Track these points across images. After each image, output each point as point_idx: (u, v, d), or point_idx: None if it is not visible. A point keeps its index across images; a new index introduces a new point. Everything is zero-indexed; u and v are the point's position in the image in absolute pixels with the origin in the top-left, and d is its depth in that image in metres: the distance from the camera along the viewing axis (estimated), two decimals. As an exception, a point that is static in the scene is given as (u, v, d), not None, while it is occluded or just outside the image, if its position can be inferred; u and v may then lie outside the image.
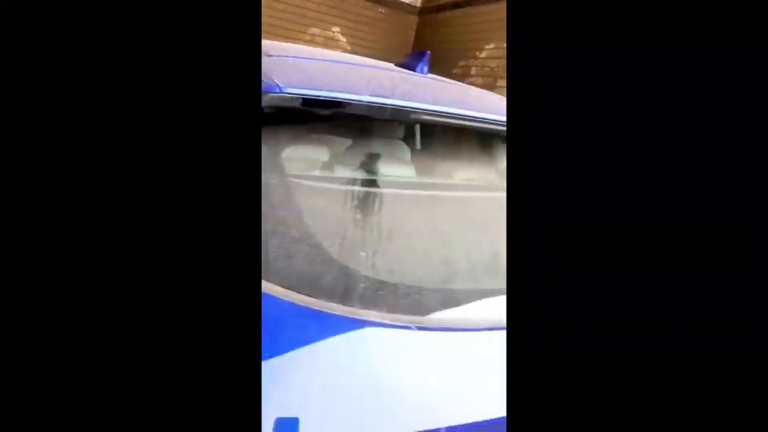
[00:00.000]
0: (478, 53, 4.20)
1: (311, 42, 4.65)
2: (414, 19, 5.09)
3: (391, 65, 1.04)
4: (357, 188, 0.69)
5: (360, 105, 0.63)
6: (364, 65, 1.01)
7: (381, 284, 0.53)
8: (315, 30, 4.65)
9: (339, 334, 0.48)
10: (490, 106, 0.78)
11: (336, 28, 4.77)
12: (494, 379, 0.46)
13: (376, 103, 0.64)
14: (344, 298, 0.50)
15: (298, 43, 4.48)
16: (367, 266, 0.57)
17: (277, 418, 0.38)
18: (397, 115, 0.67)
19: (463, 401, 0.47)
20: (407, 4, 5.01)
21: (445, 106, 0.70)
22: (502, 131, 0.70)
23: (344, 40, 4.84)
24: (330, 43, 4.76)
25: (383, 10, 4.96)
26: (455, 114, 0.69)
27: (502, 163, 0.82)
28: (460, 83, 1.15)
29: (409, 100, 0.68)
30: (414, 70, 0.96)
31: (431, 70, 1.02)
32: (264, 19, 3.48)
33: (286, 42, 2.03)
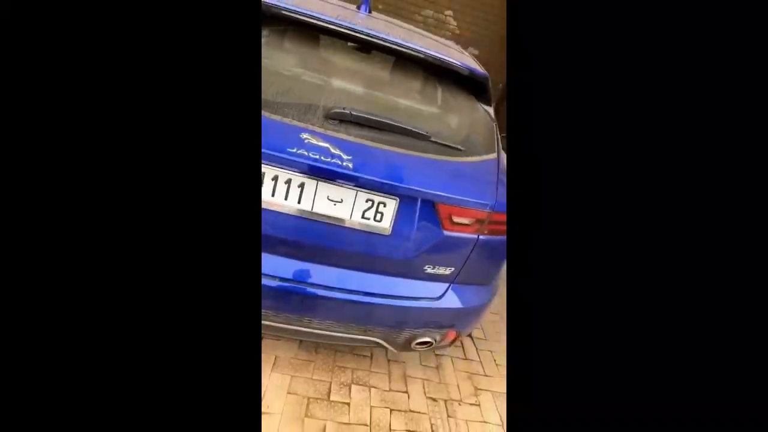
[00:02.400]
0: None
1: (423, 22, 5.04)
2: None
3: (349, 6, 1.52)
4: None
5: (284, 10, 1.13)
6: (331, 3, 1.48)
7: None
8: (429, 11, 5.02)
9: None
10: (399, 34, 1.24)
11: (449, 12, 5.06)
12: None
13: (286, 7, 1.13)
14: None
15: (410, 23, 4.92)
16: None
17: None
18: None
19: None
20: (524, -9, 5.01)
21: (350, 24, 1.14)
22: (383, 45, 1.16)
23: (454, 24, 5.11)
24: (440, 25, 5.08)
25: (498, -3, 5.07)
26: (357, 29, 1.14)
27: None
28: (391, 20, 1.64)
29: (327, 17, 1.13)
30: (360, 9, 1.48)
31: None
32: (381, 1, 3.98)
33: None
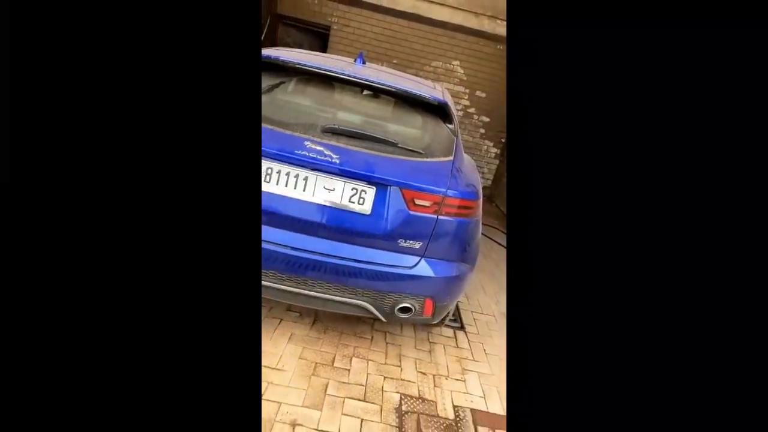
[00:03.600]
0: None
1: (433, 72, 5.70)
2: (529, 54, 5.63)
3: (350, 60, 2.07)
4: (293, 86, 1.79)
5: (292, 63, 1.64)
6: (329, 57, 2.09)
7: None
8: (437, 63, 5.69)
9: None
10: (388, 79, 1.70)
11: (456, 62, 5.71)
12: None
13: (298, 63, 1.65)
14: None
15: (421, 74, 5.59)
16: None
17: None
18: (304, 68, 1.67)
19: None
20: (523, 41, 5.59)
21: (346, 71, 1.63)
22: (377, 87, 1.65)
23: (462, 71, 5.73)
24: (449, 73, 5.72)
25: (501, 47, 5.68)
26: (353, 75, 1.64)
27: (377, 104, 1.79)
28: (385, 69, 2.16)
29: (329, 68, 1.63)
30: (356, 62, 1.95)
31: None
32: (396, 56, 4.74)
33: (409, 72, 3.20)
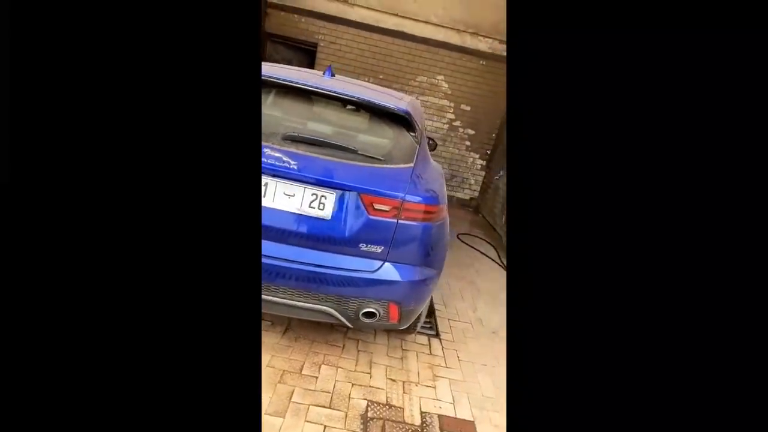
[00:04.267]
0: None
1: (418, 87, 5.82)
2: (511, 69, 5.77)
3: (319, 72, 2.12)
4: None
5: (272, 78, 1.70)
6: (300, 70, 2.11)
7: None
8: (422, 78, 5.82)
9: None
10: (354, 90, 1.76)
11: (440, 77, 5.84)
12: None
13: (275, 77, 1.70)
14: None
15: (407, 89, 5.71)
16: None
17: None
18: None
19: None
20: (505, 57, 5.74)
21: (313, 83, 1.71)
22: (345, 99, 1.72)
23: (446, 86, 5.86)
24: (433, 88, 5.84)
25: (484, 62, 5.82)
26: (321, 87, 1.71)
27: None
28: (352, 80, 2.21)
29: (296, 80, 1.71)
30: (325, 75, 1.97)
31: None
32: (381, 72, 4.87)
33: (393, 86, 3.29)
